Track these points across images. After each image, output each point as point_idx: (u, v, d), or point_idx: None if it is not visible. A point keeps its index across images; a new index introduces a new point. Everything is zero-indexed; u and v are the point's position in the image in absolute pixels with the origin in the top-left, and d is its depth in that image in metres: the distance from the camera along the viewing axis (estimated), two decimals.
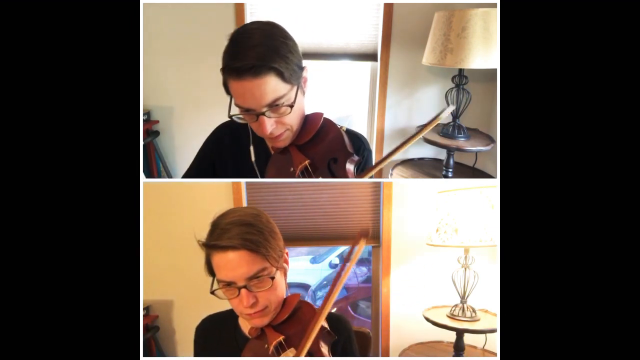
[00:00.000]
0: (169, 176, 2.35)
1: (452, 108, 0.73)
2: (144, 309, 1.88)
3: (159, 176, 2.32)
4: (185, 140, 2.34)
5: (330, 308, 0.81)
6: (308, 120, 0.89)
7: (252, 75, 0.74)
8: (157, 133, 2.29)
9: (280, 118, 0.81)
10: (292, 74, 0.78)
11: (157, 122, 2.29)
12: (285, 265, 0.82)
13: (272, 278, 0.75)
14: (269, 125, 0.80)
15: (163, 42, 2.15)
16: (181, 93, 2.25)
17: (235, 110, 0.82)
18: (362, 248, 0.72)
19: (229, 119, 0.86)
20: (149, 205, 1.80)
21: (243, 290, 0.73)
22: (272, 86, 0.76)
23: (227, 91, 0.81)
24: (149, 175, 2.27)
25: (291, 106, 0.80)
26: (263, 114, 0.78)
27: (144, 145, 2.19)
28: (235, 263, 0.72)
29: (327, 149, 0.85)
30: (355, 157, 0.86)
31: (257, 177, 0.95)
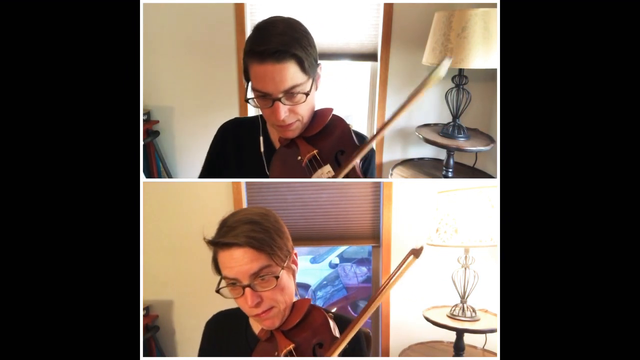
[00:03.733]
0: (169, 176, 2.35)
1: (449, 61, 0.69)
2: (144, 309, 1.88)
3: (159, 176, 2.32)
4: (185, 140, 2.33)
5: (333, 309, 0.81)
6: (317, 115, 0.91)
7: (274, 59, 0.77)
8: (157, 133, 2.28)
9: (294, 107, 0.83)
10: (310, 65, 0.82)
11: (157, 122, 2.29)
12: (293, 266, 0.81)
13: (277, 277, 0.74)
14: (283, 111, 0.82)
15: (163, 42, 2.14)
16: (181, 93, 2.25)
17: (251, 97, 0.85)
18: (411, 265, 0.74)
19: (231, 118, 0.84)
20: (149, 205, 1.79)
21: (247, 289, 0.73)
22: (292, 73, 0.79)
23: (247, 76, 0.84)
24: (149, 175, 2.27)
25: (306, 94, 0.83)
26: (279, 99, 0.80)
27: (144, 145, 2.19)
28: (239, 260, 0.72)
29: (335, 141, 0.88)
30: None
31: (264, 168, 0.96)
